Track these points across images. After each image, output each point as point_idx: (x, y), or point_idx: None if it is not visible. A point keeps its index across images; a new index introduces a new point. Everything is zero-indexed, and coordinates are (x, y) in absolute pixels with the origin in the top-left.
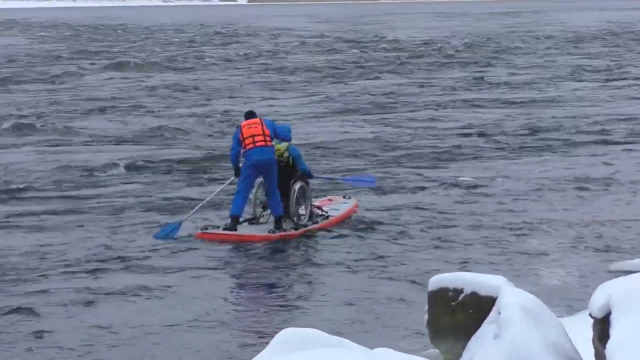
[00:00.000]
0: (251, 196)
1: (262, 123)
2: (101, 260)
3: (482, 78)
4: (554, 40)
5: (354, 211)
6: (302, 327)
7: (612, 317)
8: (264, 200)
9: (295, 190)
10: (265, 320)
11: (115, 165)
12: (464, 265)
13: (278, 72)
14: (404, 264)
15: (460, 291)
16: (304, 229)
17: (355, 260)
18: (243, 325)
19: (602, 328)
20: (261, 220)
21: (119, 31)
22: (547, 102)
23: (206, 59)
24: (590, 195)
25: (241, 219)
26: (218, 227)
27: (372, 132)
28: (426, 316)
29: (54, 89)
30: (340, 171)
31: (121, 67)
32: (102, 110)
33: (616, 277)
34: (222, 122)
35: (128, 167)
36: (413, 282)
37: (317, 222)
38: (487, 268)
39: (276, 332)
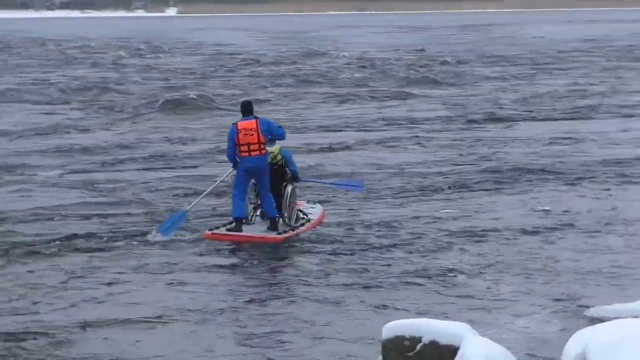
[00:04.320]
0: (245, 198)
1: (258, 128)
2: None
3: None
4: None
5: (324, 217)
6: None
7: None
8: (255, 201)
9: (288, 193)
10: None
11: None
12: (422, 310)
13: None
14: (361, 303)
15: (418, 340)
16: (298, 230)
17: (309, 293)
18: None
19: None
20: (251, 222)
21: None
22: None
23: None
24: (563, 235)
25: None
26: (218, 228)
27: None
28: None
29: None
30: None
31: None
32: None
33: (592, 324)
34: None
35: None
36: (367, 325)
37: (303, 225)
38: (448, 314)
39: None
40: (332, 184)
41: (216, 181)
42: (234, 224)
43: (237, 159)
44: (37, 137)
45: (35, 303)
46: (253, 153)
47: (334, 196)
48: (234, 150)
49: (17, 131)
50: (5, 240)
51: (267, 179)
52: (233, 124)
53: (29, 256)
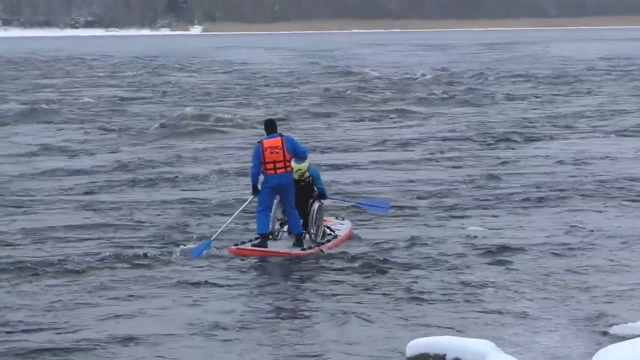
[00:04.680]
0: (270, 214)
1: (283, 146)
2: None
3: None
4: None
5: (351, 233)
6: None
7: None
8: (282, 217)
9: (314, 210)
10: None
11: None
12: (446, 327)
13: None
14: (382, 321)
15: (442, 358)
16: (324, 246)
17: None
18: None
19: None
20: (278, 238)
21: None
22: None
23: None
24: (588, 253)
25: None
26: (243, 243)
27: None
28: None
29: None
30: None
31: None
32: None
33: (616, 342)
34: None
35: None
36: (391, 342)
37: (329, 241)
38: (472, 331)
39: None
40: (358, 203)
41: (239, 208)
42: (259, 239)
43: (263, 176)
44: (43, 158)
45: (68, 320)
46: (279, 171)
47: (361, 212)
48: (260, 168)
49: (23, 153)
50: (19, 260)
51: (292, 196)
52: (258, 142)
53: (45, 276)
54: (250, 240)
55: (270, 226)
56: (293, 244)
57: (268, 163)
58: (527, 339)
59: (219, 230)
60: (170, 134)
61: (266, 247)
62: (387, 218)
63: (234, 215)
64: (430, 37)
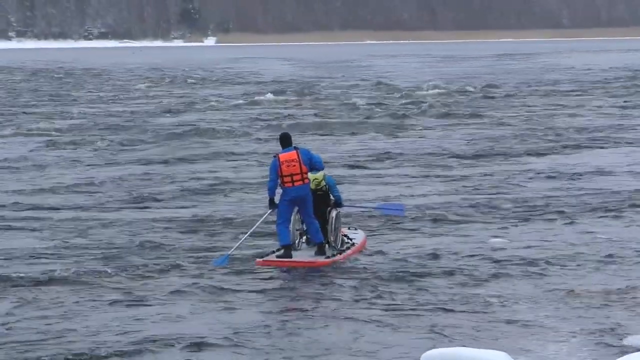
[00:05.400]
0: (289, 225)
1: (299, 159)
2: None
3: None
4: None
5: (366, 242)
6: None
7: None
8: (301, 228)
9: (333, 218)
10: None
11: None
12: (461, 338)
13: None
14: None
15: None
16: (345, 254)
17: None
18: None
19: None
20: (298, 248)
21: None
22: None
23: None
24: (604, 265)
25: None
26: (268, 255)
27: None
28: None
29: None
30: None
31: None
32: None
33: (630, 352)
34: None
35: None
36: (406, 353)
37: (348, 248)
38: (487, 342)
39: None
40: (373, 208)
41: (256, 223)
42: (282, 251)
43: (280, 189)
44: (28, 173)
45: (93, 328)
46: (296, 183)
47: (378, 222)
48: (277, 182)
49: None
50: (27, 273)
51: (310, 206)
52: (274, 156)
53: (63, 286)
54: (274, 252)
55: (291, 237)
56: (315, 252)
57: (286, 176)
58: (542, 350)
59: (237, 244)
60: (174, 147)
61: (291, 257)
62: (403, 229)
63: (251, 229)
64: (443, 48)
